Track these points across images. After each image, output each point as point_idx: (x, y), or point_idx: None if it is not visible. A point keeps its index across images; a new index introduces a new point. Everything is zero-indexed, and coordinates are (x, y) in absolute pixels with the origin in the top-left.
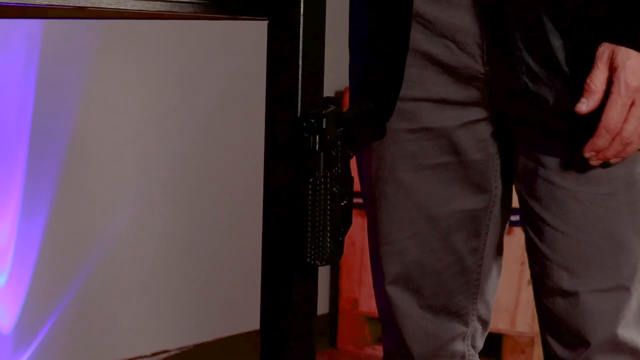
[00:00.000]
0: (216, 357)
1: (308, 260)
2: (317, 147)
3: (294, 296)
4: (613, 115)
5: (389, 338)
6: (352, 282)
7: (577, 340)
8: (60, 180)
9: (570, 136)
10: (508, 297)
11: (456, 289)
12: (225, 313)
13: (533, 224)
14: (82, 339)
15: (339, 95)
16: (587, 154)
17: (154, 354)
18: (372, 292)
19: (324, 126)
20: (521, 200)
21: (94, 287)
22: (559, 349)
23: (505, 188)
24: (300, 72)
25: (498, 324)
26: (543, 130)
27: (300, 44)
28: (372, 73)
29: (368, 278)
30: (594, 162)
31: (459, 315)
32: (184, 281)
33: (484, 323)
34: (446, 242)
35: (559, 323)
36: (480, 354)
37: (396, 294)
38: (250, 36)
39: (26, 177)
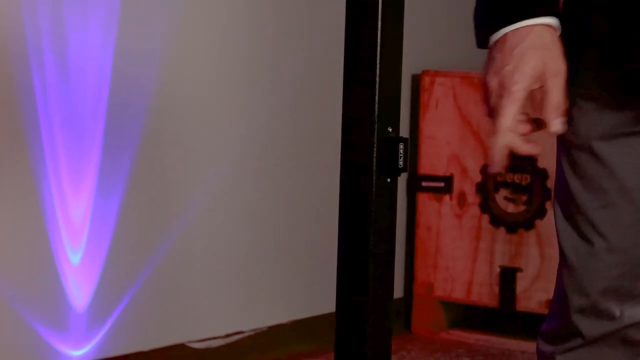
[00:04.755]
0: (290, 339)
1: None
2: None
3: (370, 279)
4: None
5: (554, 317)
6: (428, 266)
7: None
8: (136, 159)
9: None
10: None
11: None
12: (300, 295)
13: None
14: (156, 318)
15: (416, 78)
16: None
17: (227, 335)
18: (447, 277)
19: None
20: None
21: (168, 267)
22: None
23: None
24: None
25: None
26: None
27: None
28: None
29: (443, 262)
30: None
31: None
32: (259, 263)
33: None
34: (638, 217)
35: None
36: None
37: (578, 268)
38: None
39: (102, 156)
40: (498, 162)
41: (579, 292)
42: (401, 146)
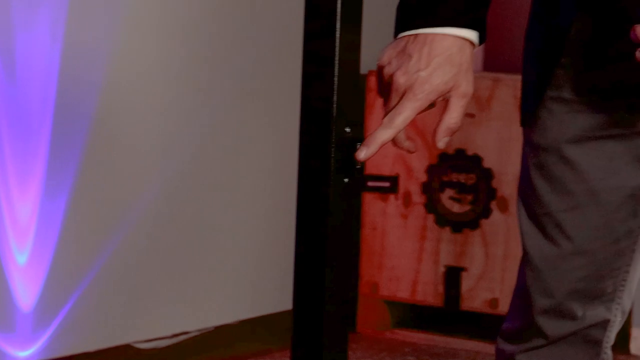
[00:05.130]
0: (236, 339)
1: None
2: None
3: (328, 279)
4: None
5: (515, 316)
6: (373, 266)
7: None
8: (83, 159)
9: None
10: None
11: (606, 273)
12: (246, 295)
13: None
14: (102, 319)
15: (362, 78)
16: None
17: (174, 336)
18: (392, 276)
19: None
20: None
21: (115, 267)
22: None
23: None
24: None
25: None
26: None
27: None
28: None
29: (388, 262)
30: None
31: (603, 302)
32: (205, 263)
33: (623, 314)
34: (605, 220)
35: None
36: (496, 338)
37: (543, 269)
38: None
39: (49, 155)
40: (372, 152)
41: (543, 293)
42: (359, 146)
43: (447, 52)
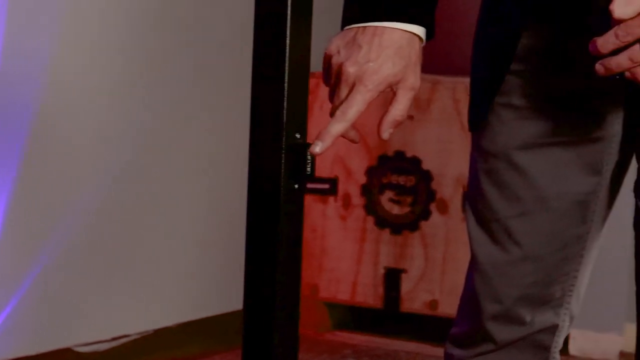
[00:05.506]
0: (176, 342)
1: None
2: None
3: (278, 282)
4: None
5: (464, 321)
6: (312, 268)
7: None
8: (22, 162)
9: None
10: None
11: (555, 279)
12: (186, 298)
13: None
14: (42, 322)
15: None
16: None
17: (113, 339)
18: (332, 278)
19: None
20: (638, 170)
21: (54, 270)
22: None
23: (618, 170)
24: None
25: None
26: None
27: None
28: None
29: (328, 264)
30: None
31: (552, 307)
32: (145, 266)
33: (571, 319)
34: (554, 226)
35: None
36: (440, 339)
37: (492, 275)
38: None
39: None
40: (327, 146)
41: (492, 299)
42: (309, 152)
43: (396, 44)
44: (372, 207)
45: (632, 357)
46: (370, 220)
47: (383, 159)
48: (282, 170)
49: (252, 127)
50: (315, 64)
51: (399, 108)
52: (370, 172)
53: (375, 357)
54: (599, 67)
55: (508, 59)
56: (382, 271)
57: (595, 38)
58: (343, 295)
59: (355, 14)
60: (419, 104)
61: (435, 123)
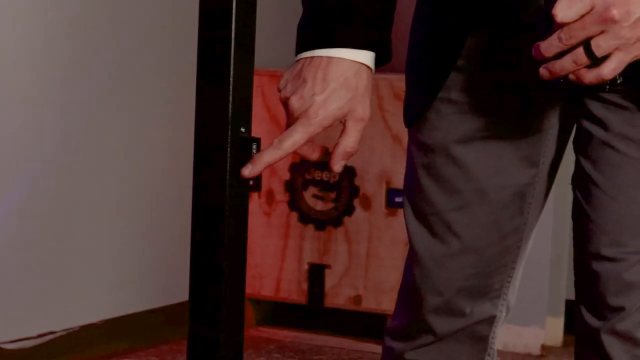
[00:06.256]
0: (102, 339)
1: None
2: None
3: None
4: None
5: (403, 314)
6: None
7: (609, 308)
8: None
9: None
10: (392, 277)
11: (493, 270)
12: (111, 295)
13: (583, 187)
14: None
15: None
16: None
17: (39, 336)
18: (256, 274)
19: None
20: (576, 162)
21: None
22: (589, 317)
23: (554, 162)
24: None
25: (382, 304)
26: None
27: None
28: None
29: (252, 260)
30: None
31: (490, 299)
32: (72, 262)
33: (508, 310)
34: (493, 218)
35: (592, 289)
36: (364, 334)
37: (432, 268)
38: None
39: None
40: (257, 172)
41: (433, 291)
42: (254, 146)
43: (342, 76)
44: (295, 203)
45: (553, 350)
46: (294, 216)
47: None
48: (228, 164)
49: (197, 121)
50: (261, 60)
51: (350, 140)
52: (293, 168)
53: (299, 352)
54: (543, 71)
55: (454, 58)
56: (306, 267)
57: (538, 43)
58: (267, 291)
59: (304, 41)
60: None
61: None
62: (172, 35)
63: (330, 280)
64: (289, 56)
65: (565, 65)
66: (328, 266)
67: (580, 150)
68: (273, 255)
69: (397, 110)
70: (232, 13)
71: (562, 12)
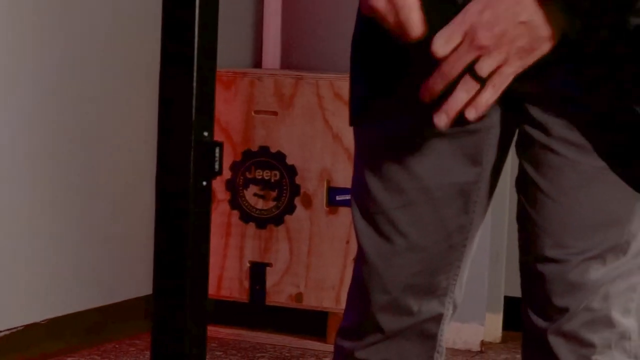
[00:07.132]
0: (44, 338)
1: None
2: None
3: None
4: None
5: (353, 313)
6: None
7: (554, 309)
8: None
9: (579, 104)
10: (333, 275)
11: (440, 268)
12: (54, 294)
13: (527, 191)
14: None
15: None
16: None
17: None
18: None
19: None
20: (519, 166)
21: None
22: (536, 318)
23: (498, 162)
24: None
25: (323, 301)
26: (551, 99)
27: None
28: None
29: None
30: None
31: (437, 297)
32: (13, 260)
33: (455, 308)
34: (437, 216)
35: (538, 290)
36: (305, 332)
37: (379, 266)
38: None
39: None
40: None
41: (380, 290)
42: (217, 150)
43: None
44: (236, 202)
45: (492, 346)
46: (235, 214)
47: (247, 154)
48: (191, 168)
49: (160, 124)
50: (223, 62)
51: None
52: (234, 167)
53: (241, 350)
54: (438, 119)
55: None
56: (247, 265)
57: (422, 85)
58: (209, 289)
59: None
60: (282, 100)
61: (299, 118)
62: (147, 40)
63: (271, 278)
64: (244, 55)
65: (459, 96)
66: (269, 264)
67: (523, 154)
68: (214, 254)
69: (338, 109)
70: (195, 15)
71: (440, 48)
